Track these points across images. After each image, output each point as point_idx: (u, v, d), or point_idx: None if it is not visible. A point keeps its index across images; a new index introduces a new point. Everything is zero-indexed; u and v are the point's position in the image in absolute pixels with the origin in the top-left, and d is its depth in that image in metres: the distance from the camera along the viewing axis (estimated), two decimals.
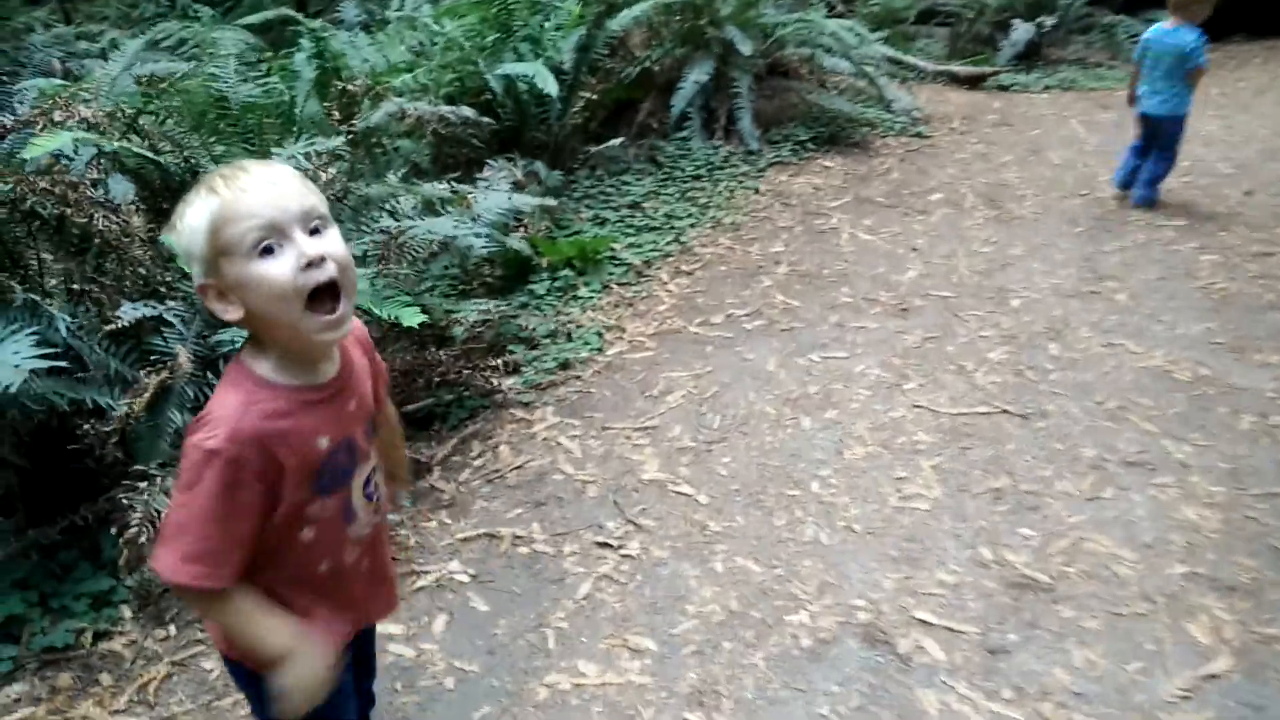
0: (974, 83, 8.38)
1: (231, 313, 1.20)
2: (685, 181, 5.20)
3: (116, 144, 2.72)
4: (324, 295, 1.20)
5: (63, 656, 2.23)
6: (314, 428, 1.26)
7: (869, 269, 4.26)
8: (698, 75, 5.75)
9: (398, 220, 2.94)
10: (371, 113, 4.48)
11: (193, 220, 1.18)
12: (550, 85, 4.42)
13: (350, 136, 4.50)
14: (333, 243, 1.21)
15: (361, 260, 2.90)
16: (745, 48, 5.62)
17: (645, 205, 4.83)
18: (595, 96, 5.48)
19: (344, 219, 3.03)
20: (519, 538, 2.57)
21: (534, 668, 2.17)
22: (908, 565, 2.48)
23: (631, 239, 4.48)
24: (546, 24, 5.16)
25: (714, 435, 3.03)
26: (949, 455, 2.92)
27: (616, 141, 4.86)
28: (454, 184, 3.46)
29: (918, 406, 3.18)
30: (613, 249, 4.31)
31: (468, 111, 4.46)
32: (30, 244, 2.64)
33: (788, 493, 2.77)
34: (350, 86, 4.46)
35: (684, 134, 5.72)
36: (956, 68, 8.60)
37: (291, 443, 1.23)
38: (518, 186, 4.39)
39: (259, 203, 1.16)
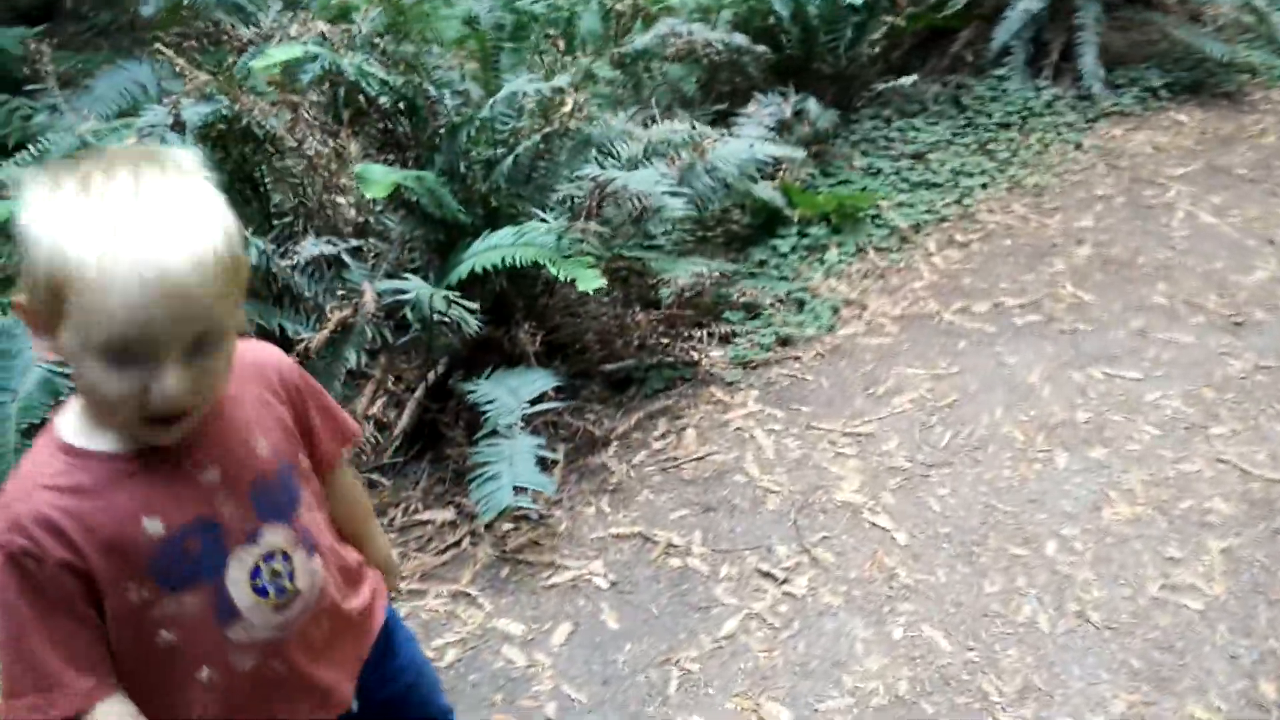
0: None
1: (45, 352, 0.95)
2: (988, 130, 4.44)
3: (350, 61, 2.63)
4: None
5: None
6: (133, 508, 0.98)
7: (1201, 263, 3.39)
8: (1030, 2, 4.87)
9: (604, 168, 2.64)
10: (641, 34, 4.21)
11: (40, 231, 0.87)
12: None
13: (618, 59, 4.28)
14: (206, 371, 0.95)
15: (568, 206, 2.65)
16: None
17: (931, 156, 4.17)
18: (901, 22, 4.81)
19: (560, 157, 2.79)
20: (674, 546, 2.25)
21: (645, 714, 1.88)
22: (1152, 684, 1.89)
23: (904, 196, 3.88)
24: None
25: (937, 457, 2.52)
26: (1250, 538, 2.21)
27: (908, 79, 4.21)
28: (697, 124, 3.10)
29: (1222, 461, 2.45)
30: (878, 206, 3.75)
31: (740, 39, 4.05)
32: (248, 163, 2.64)
33: (1012, 550, 2.22)
34: (619, 5, 4.20)
35: (1002, 71, 4.89)
36: None
37: (96, 530, 0.96)
38: (782, 126, 3.93)
39: (126, 306, 0.86)
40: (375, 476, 2.54)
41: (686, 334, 2.81)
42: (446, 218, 2.54)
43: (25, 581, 0.93)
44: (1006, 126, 4.50)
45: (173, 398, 0.91)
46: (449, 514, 2.42)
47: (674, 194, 2.46)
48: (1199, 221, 3.69)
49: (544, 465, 2.48)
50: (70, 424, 1.00)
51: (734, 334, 3.01)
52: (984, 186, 4.00)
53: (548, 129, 2.73)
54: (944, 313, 3.14)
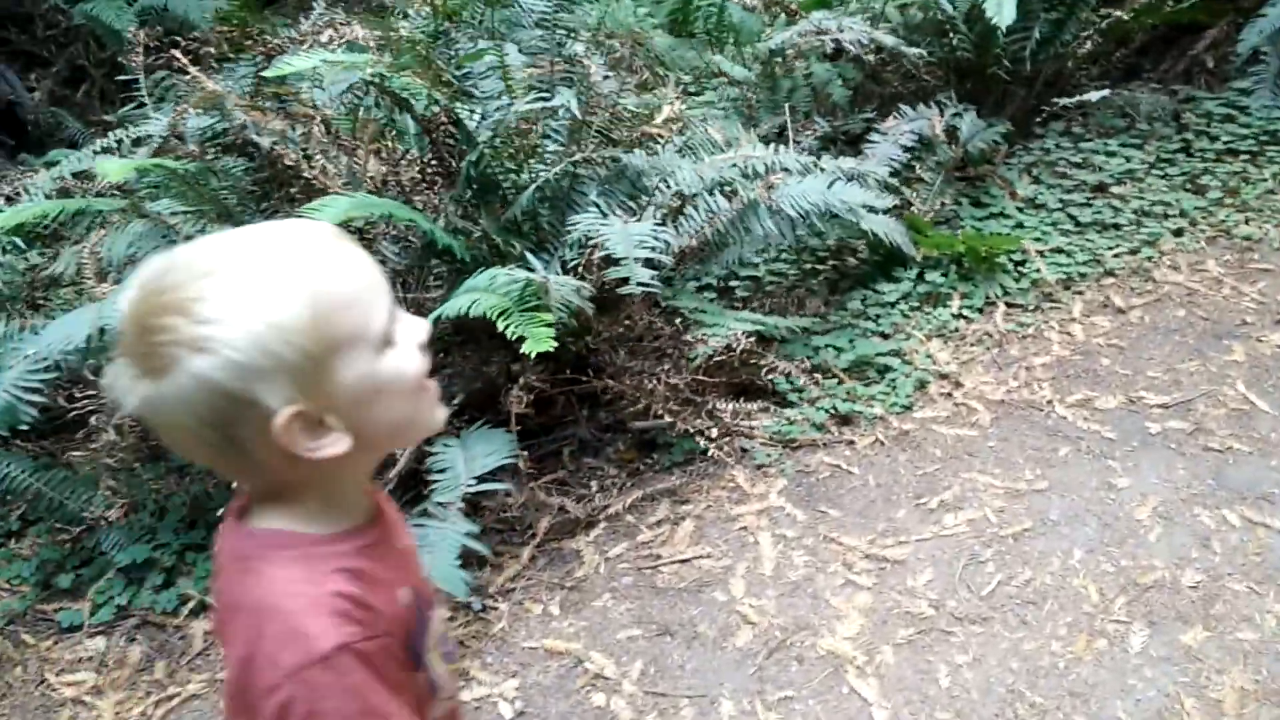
0: None
1: (333, 444, 0.76)
2: (1206, 158, 3.55)
3: (374, 69, 2.42)
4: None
5: None
6: (390, 579, 0.84)
7: None
8: None
9: (611, 213, 2.27)
10: (781, 31, 3.73)
11: (271, 313, 0.71)
12: (1006, 13, 3.20)
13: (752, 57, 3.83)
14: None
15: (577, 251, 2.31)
16: None
17: (1117, 189, 3.38)
18: (1127, 16, 3.98)
19: (588, 189, 2.44)
20: (604, 679, 1.89)
21: None
22: None
23: (1065, 239, 3.17)
24: None
25: (972, 607, 1.98)
26: None
27: (1097, 94, 3.42)
28: (787, 148, 2.64)
29: None
30: (1024, 252, 3.09)
31: (887, 39, 3.47)
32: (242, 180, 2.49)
33: None
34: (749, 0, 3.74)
35: (1246, 84, 3.93)
36: None
37: (383, 607, 0.81)
38: (922, 145, 3.34)
39: (368, 269, 0.78)
40: None
41: (712, 405, 2.40)
42: (452, 251, 2.29)
43: (367, 670, 0.76)
44: (1232, 155, 3.59)
45: (427, 326, 0.82)
46: None
47: (652, 260, 2.04)
48: None
49: (496, 552, 2.21)
50: (299, 521, 0.81)
51: (789, 400, 2.56)
52: (1177, 234, 3.21)
53: (579, 154, 2.39)
54: (1058, 404, 2.51)
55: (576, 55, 2.75)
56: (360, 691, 0.75)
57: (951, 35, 3.67)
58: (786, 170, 2.60)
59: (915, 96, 3.68)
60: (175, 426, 0.74)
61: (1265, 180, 3.45)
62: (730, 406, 2.41)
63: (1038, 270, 3.03)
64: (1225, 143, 3.63)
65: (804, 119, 3.74)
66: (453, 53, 2.57)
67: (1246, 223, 3.22)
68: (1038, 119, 3.76)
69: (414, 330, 0.81)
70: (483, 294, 2.02)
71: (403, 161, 2.67)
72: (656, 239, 2.08)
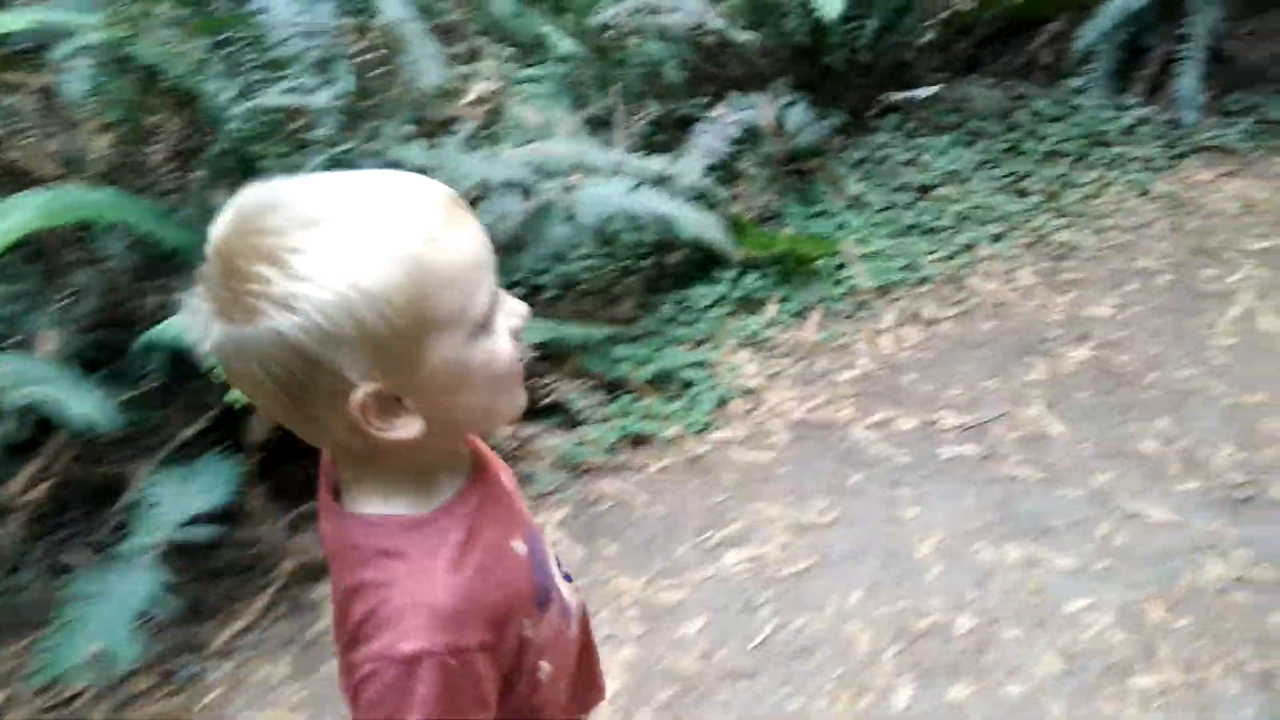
0: None
1: (406, 428, 0.72)
2: (1032, 160, 3.51)
3: (105, 33, 2.09)
4: None
5: None
6: (501, 535, 0.83)
7: (1232, 393, 2.51)
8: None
9: None
10: (612, 4, 3.49)
11: (369, 280, 0.65)
12: (834, 2, 3.04)
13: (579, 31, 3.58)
14: None
15: None
16: None
17: (942, 190, 3.31)
18: (966, 6, 3.88)
19: None
20: None
21: None
22: None
23: (885, 243, 3.07)
24: None
25: (741, 662, 1.86)
26: None
27: (925, 91, 3.33)
28: (573, 156, 2.42)
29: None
30: (840, 255, 2.99)
31: (716, 22, 3.28)
32: None
33: None
34: None
35: (1080, 81, 3.91)
36: None
37: (496, 575, 0.79)
38: (752, 136, 3.19)
39: (480, 246, 0.72)
40: None
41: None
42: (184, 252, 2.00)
43: (453, 687, 0.74)
44: (1058, 156, 3.56)
45: (526, 312, 0.78)
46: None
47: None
48: (1255, 328, 2.76)
49: (230, 598, 1.98)
50: (396, 499, 0.77)
51: (580, 419, 2.38)
52: (995, 239, 3.15)
53: (344, 145, 2.13)
54: (854, 426, 2.41)
55: (390, 21, 2.47)
56: (423, 704, 0.72)
57: (787, 21, 3.51)
58: (592, 169, 2.40)
59: (752, 83, 3.52)
60: (246, 375, 0.69)
61: (1087, 184, 3.43)
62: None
63: (855, 276, 2.92)
64: (1052, 143, 3.60)
65: (635, 101, 3.54)
66: (206, 15, 2.25)
67: (1064, 229, 3.19)
68: (873, 112, 3.65)
69: (513, 315, 0.76)
70: None
71: (153, 140, 2.35)
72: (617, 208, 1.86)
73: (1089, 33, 3.84)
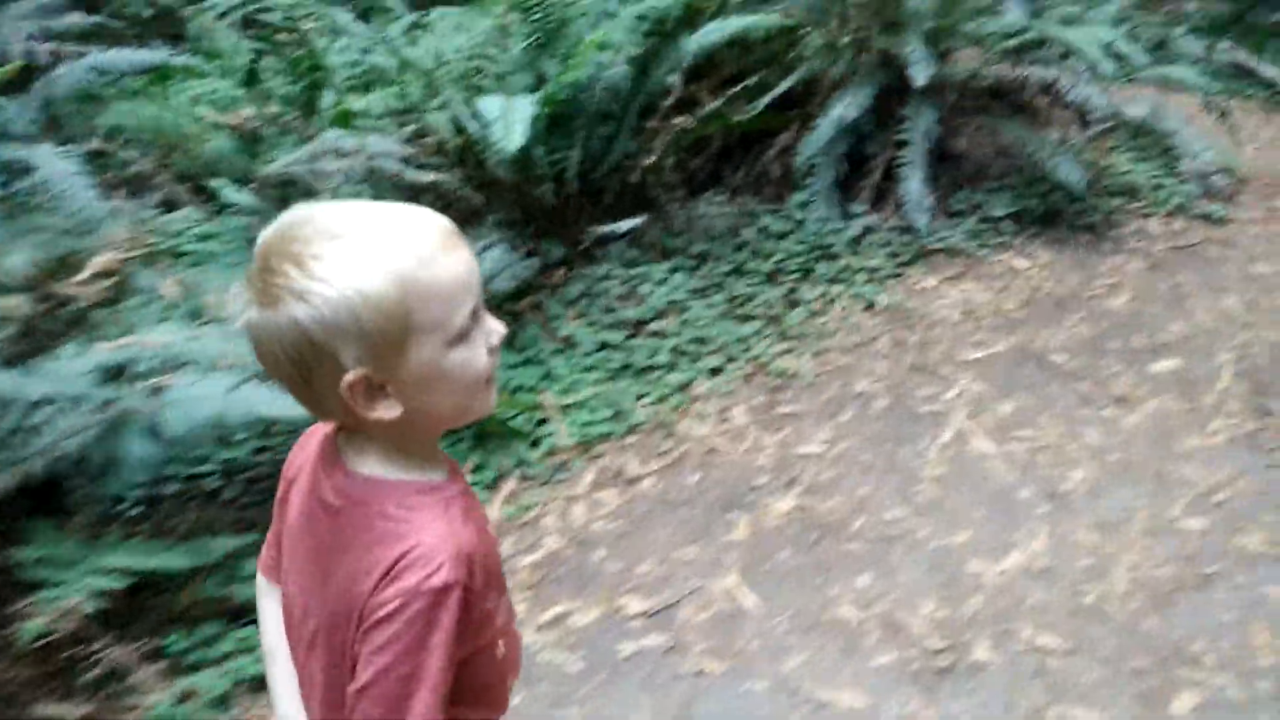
0: None
1: (386, 409, 0.83)
2: (759, 279, 3.36)
3: None
4: None
5: None
6: (483, 517, 0.94)
7: (939, 533, 2.33)
8: (845, 108, 3.80)
9: None
10: (290, 150, 3.20)
11: (366, 285, 0.78)
12: (514, 137, 2.82)
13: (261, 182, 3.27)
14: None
15: None
16: (921, 73, 3.60)
17: (659, 323, 3.10)
18: (690, 124, 3.76)
19: None
20: None
21: None
22: None
23: (596, 389, 2.82)
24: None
25: None
26: None
27: (627, 224, 3.15)
28: (169, 348, 2.06)
29: None
30: (542, 410, 2.71)
31: (390, 166, 3.03)
32: None
33: None
34: (229, 120, 3.20)
35: (804, 195, 3.84)
36: None
37: (489, 544, 0.91)
38: None
39: (465, 272, 0.84)
40: None
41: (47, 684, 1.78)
42: None
43: (461, 617, 0.83)
44: (782, 275, 3.43)
45: (504, 332, 0.91)
46: None
47: None
48: (968, 450, 2.62)
49: None
50: (413, 469, 0.89)
51: (189, 663, 1.97)
52: (713, 373, 2.94)
53: None
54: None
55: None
56: (443, 632, 0.81)
57: (487, 157, 3.29)
58: (191, 361, 2.04)
59: (458, 224, 3.27)
60: (269, 355, 0.82)
61: (811, 301, 3.30)
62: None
63: (555, 433, 2.64)
64: (776, 262, 3.47)
65: None
66: None
67: (785, 355, 3.02)
68: (589, 243, 3.44)
69: (490, 331, 0.88)
70: None
71: None
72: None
73: (807, 147, 3.78)
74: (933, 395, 2.84)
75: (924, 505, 2.41)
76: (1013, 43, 4.04)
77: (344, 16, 4.78)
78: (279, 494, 0.98)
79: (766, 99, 3.86)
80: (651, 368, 2.91)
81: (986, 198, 3.92)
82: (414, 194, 3.35)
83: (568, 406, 2.73)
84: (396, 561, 0.82)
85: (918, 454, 2.60)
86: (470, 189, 3.21)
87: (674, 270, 3.35)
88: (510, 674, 1.01)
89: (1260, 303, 3.40)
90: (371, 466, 0.88)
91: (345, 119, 3.25)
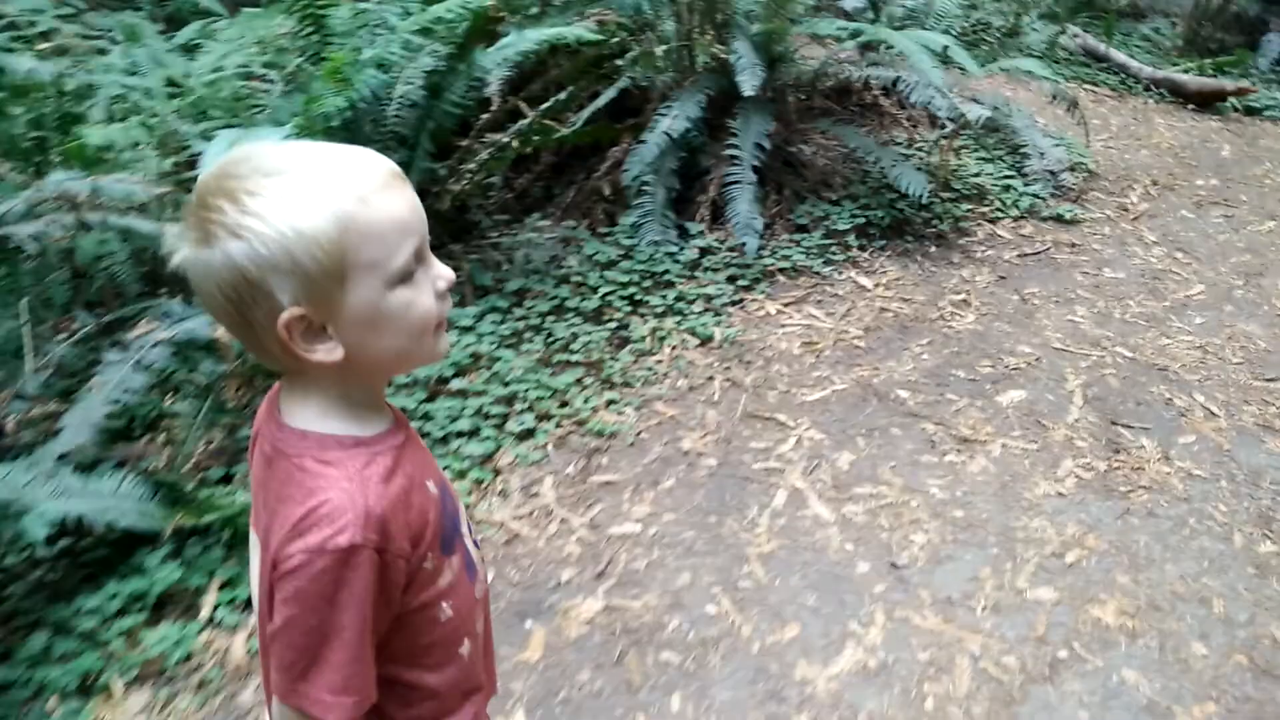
0: (1206, 101, 5.44)
1: (327, 353, 0.81)
2: (577, 320, 2.99)
3: None
4: None
5: None
6: (420, 473, 0.90)
7: (765, 629, 1.99)
8: (673, 120, 3.45)
9: None
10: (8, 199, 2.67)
11: (303, 223, 0.76)
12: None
13: None
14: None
15: None
16: (748, 80, 3.26)
17: (462, 379, 2.68)
18: (514, 143, 3.34)
19: None
20: None
21: None
22: None
23: None
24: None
25: None
26: None
27: None
28: None
29: None
30: None
31: (132, 185, 2.55)
32: None
33: None
34: None
35: (635, 217, 3.48)
36: (1182, 75, 5.65)
37: (415, 501, 0.87)
38: (186, 356, 2.45)
39: (407, 212, 0.81)
40: None
41: None
42: None
43: (376, 578, 0.82)
44: (607, 312, 3.07)
45: (451, 277, 0.87)
46: None
47: None
48: (801, 518, 2.30)
49: None
50: (334, 420, 0.86)
51: None
52: (522, 438, 2.54)
53: None
54: None
55: None
56: (351, 592, 0.80)
57: None
58: None
59: None
60: (206, 292, 0.79)
61: (638, 340, 2.94)
62: None
63: None
64: (603, 296, 3.10)
65: (63, 313, 2.71)
66: None
67: (603, 412, 2.66)
68: None
69: (437, 276, 0.85)
70: None
71: None
72: None
73: (634, 163, 3.43)
74: (766, 450, 2.52)
75: (749, 594, 2.08)
76: (851, 45, 3.77)
77: (148, 26, 4.20)
78: (250, 447, 0.95)
79: (588, 111, 3.49)
80: (449, 437, 2.50)
81: (831, 209, 3.64)
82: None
83: None
84: (303, 518, 0.80)
85: (746, 526, 2.27)
86: None
87: (485, 313, 2.94)
88: (464, 636, 0.96)
89: (1111, 314, 3.21)
90: (306, 417, 0.85)
91: (80, 154, 2.73)
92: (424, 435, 2.51)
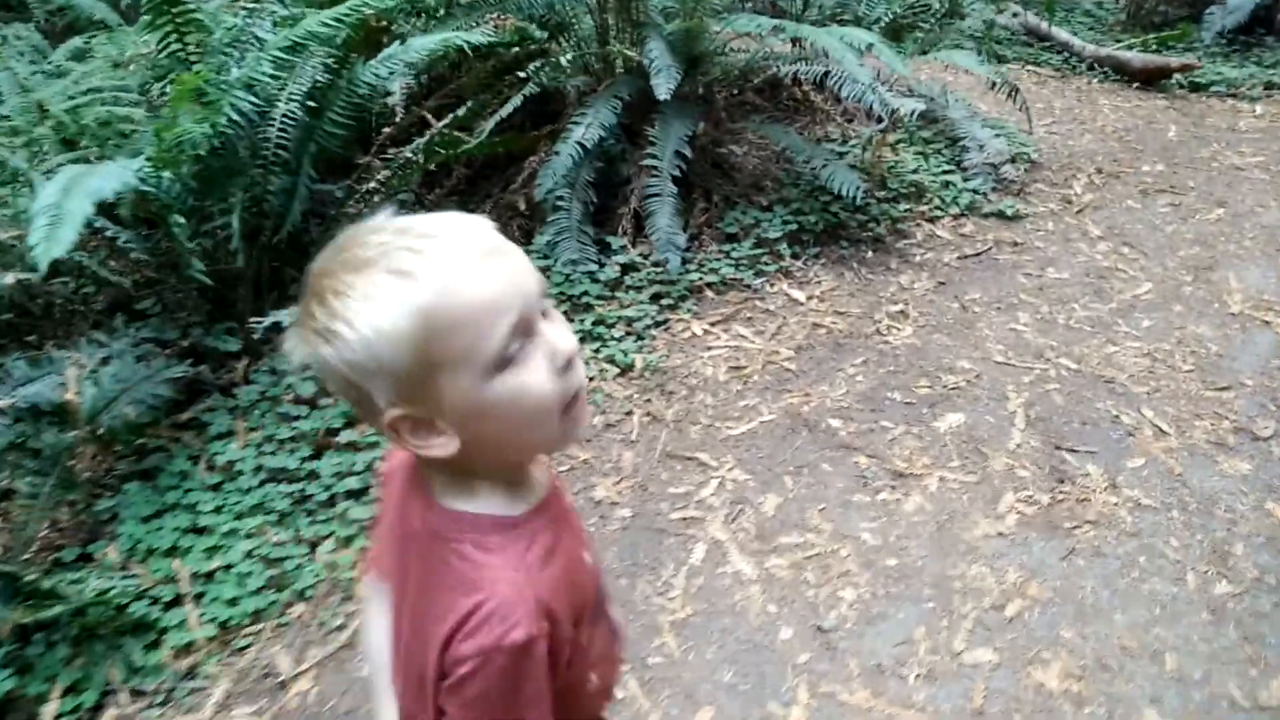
0: (1150, 79, 5.26)
1: (442, 447, 0.77)
2: None
3: None
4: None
5: None
6: (575, 546, 0.88)
7: (682, 713, 1.79)
8: (587, 129, 3.19)
9: None
10: None
11: (383, 322, 0.72)
12: (56, 245, 1.96)
13: None
14: (564, 325, 0.81)
15: None
16: (664, 84, 3.01)
17: (352, 430, 2.45)
18: (419, 158, 3.07)
19: None
20: None
21: None
22: None
23: (246, 546, 2.13)
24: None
25: None
26: None
27: (284, 314, 2.43)
28: None
29: None
30: (176, 584, 2.02)
31: None
32: None
33: None
34: None
35: (553, 234, 3.23)
36: (1126, 53, 5.47)
37: (575, 580, 0.85)
38: (31, 422, 2.17)
39: (500, 291, 0.75)
40: None
41: None
42: None
43: (545, 666, 0.79)
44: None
45: (572, 342, 0.79)
46: None
47: None
48: (721, 576, 2.08)
49: None
50: (487, 502, 0.82)
51: None
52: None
53: None
54: None
55: None
56: (533, 683, 0.78)
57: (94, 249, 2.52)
58: None
59: (81, 328, 2.52)
60: (330, 386, 0.78)
61: None
62: None
63: (189, 620, 1.96)
64: None
65: None
66: None
67: None
68: (272, 330, 2.73)
69: (554, 351, 0.77)
70: None
71: None
72: None
73: (547, 177, 3.17)
74: (686, 495, 2.30)
75: (660, 673, 1.86)
76: (775, 41, 3.53)
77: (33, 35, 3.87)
78: (381, 486, 0.92)
79: (493, 121, 3.22)
80: (335, 498, 2.25)
81: (762, 215, 3.42)
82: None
83: (210, 574, 2.05)
84: (470, 614, 0.76)
85: (660, 589, 2.05)
86: (89, 281, 2.46)
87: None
88: (604, 701, 0.95)
89: (1055, 319, 3.01)
90: (453, 496, 0.82)
91: None
92: (306, 498, 2.27)
